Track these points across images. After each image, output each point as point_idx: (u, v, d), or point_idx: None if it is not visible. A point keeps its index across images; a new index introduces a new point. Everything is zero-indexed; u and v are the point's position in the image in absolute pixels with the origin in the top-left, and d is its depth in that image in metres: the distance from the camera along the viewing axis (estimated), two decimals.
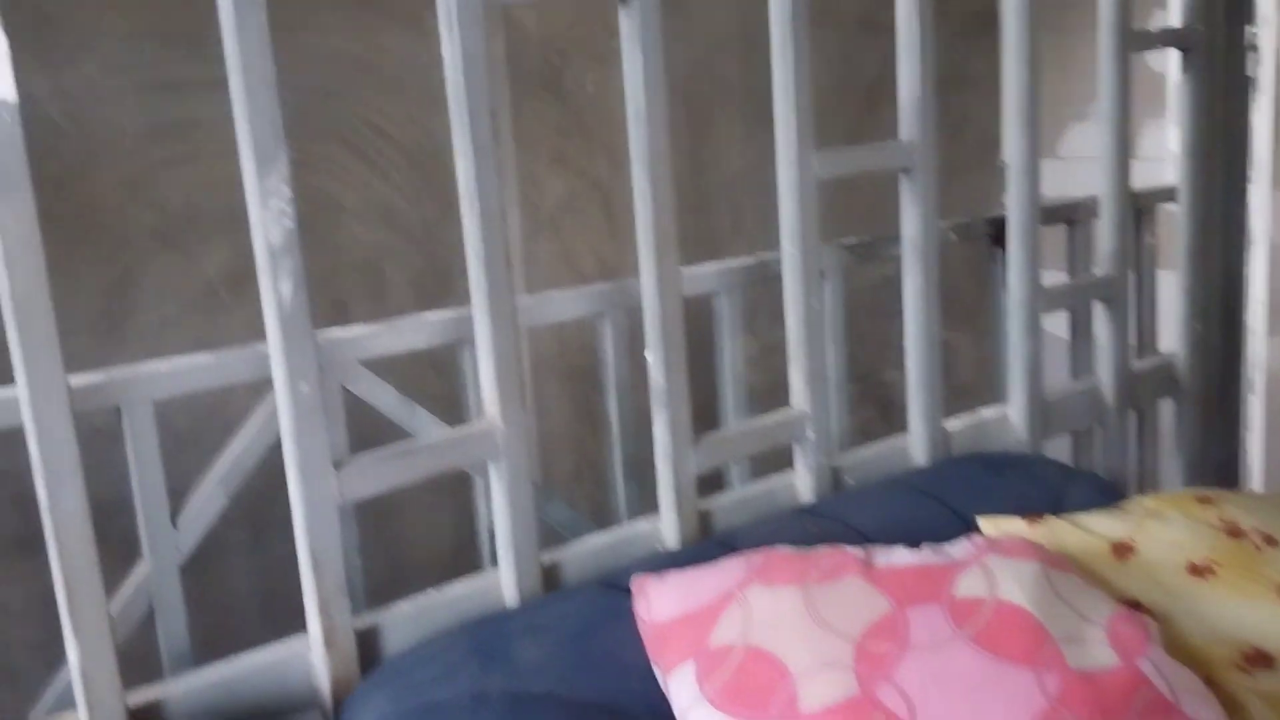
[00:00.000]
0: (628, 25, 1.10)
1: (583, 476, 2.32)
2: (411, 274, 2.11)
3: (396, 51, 2.08)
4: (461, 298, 1.10)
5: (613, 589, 1.04)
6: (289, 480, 0.96)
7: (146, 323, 1.92)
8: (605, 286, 1.42)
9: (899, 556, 0.95)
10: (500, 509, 1.08)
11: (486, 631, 0.99)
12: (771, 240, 1.29)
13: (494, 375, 1.05)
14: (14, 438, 0.93)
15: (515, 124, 2.21)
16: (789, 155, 1.22)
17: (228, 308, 1.96)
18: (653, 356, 1.15)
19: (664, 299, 1.15)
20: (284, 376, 0.94)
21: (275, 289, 0.93)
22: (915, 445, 1.39)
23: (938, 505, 1.18)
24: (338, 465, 0.97)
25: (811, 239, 1.24)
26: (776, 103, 1.21)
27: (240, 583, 1.97)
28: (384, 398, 1.30)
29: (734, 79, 2.45)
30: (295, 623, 1.03)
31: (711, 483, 1.35)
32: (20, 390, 0.83)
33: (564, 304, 1.38)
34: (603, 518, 1.53)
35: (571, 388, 2.29)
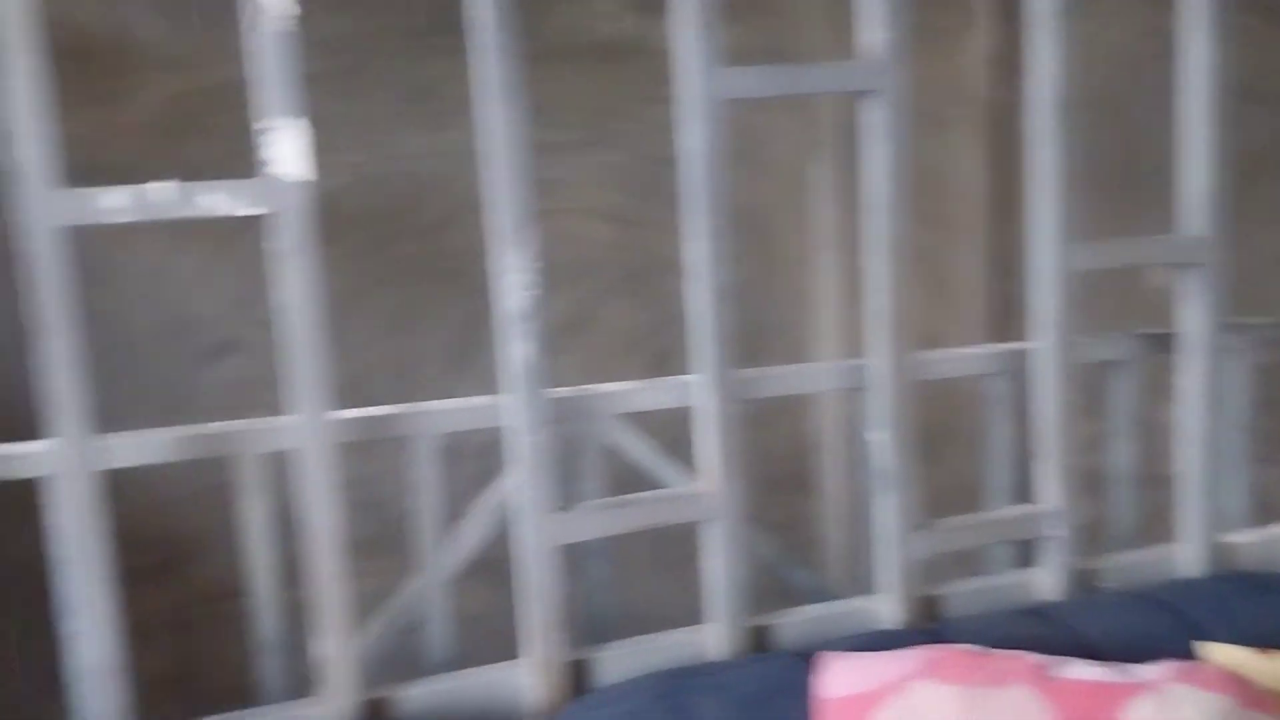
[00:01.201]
0: (871, 116, 1.13)
1: (843, 546, 2.32)
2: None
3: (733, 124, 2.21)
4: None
5: (804, 660, 1.06)
6: (516, 519, 1.08)
7: (492, 359, 2.16)
8: (852, 363, 1.43)
9: (1079, 670, 0.91)
10: (711, 568, 1.14)
11: (677, 682, 1.05)
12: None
13: (715, 441, 1.11)
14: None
15: (838, 185, 2.26)
16: (1046, 245, 1.19)
17: (565, 349, 2.16)
18: (879, 437, 1.17)
19: (896, 381, 1.16)
20: (518, 428, 1.06)
21: (515, 349, 1.06)
22: (1185, 556, 1.28)
23: (1176, 622, 1.10)
24: (560, 510, 1.08)
25: (1068, 330, 1.20)
26: (1034, 189, 1.19)
27: (496, 603, 2.16)
28: (637, 449, 1.40)
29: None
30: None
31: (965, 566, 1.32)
32: (294, 418, 1.01)
33: (797, 379, 1.38)
34: (858, 587, 1.54)
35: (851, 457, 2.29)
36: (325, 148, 2.11)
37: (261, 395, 2.14)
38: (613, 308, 2.39)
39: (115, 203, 0.93)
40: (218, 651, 1.84)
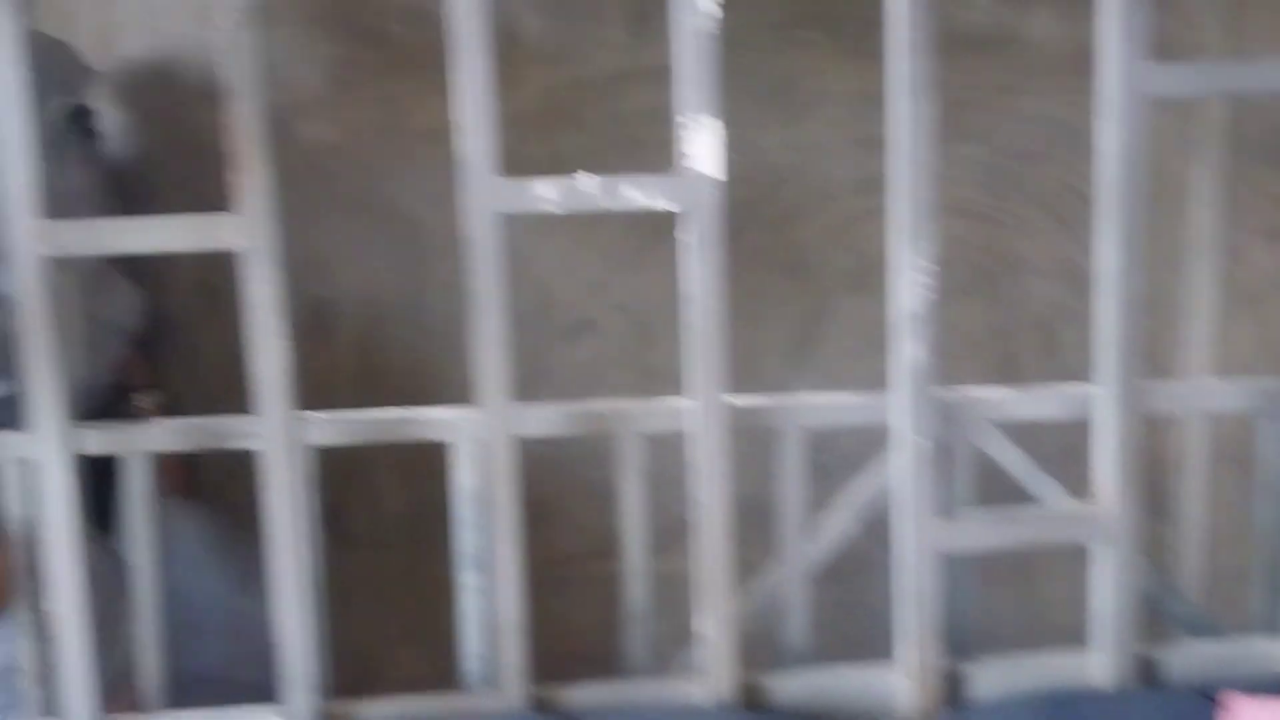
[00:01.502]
0: None
1: (1223, 576, 2.13)
2: (1085, 335, 2.11)
3: None
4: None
5: (1206, 699, 1.00)
6: (897, 523, 1.07)
7: (832, 353, 2.15)
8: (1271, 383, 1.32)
9: None
10: (1102, 593, 1.08)
11: (1065, 709, 1.02)
12: None
13: (1114, 459, 1.06)
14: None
15: (1218, 190, 2.09)
16: None
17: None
18: None
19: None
20: (906, 430, 1.05)
21: (908, 350, 1.04)
22: None
23: None
24: (944, 517, 1.06)
25: None
26: None
27: (862, 597, 2.13)
28: (1011, 459, 1.35)
29: None
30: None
31: None
32: (689, 405, 1.04)
33: (1215, 395, 1.30)
34: (1237, 624, 1.43)
35: (1225, 482, 2.11)
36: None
37: (610, 375, 2.24)
38: (959, 308, 2.32)
39: (546, 192, 1.00)
40: (569, 614, 1.95)
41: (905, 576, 1.07)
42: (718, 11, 1.00)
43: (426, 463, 2.33)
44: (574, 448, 1.54)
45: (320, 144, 1.97)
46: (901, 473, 1.06)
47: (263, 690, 2.16)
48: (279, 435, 1.01)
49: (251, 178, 0.96)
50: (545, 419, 1.15)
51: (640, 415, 1.21)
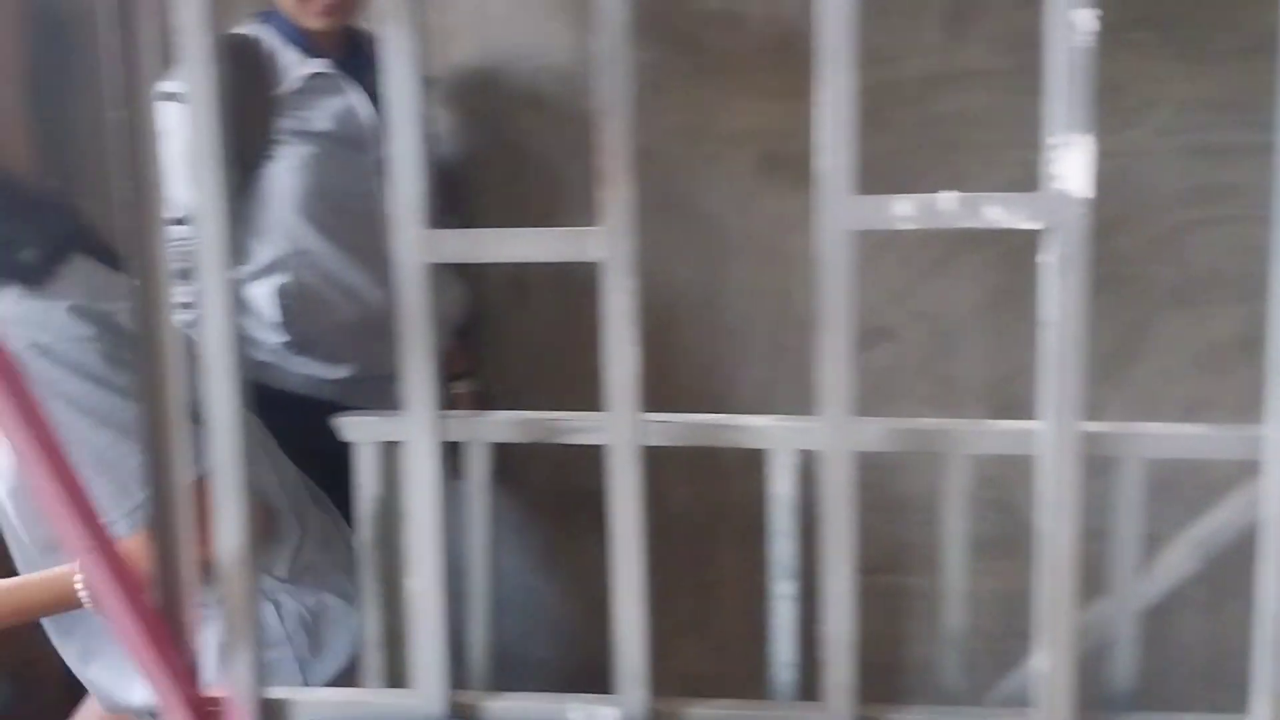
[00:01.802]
0: None
1: None
2: None
3: None
4: None
5: None
6: (1267, 572, 1.00)
7: (1148, 372, 2.04)
8: None
9: None
10: None
11: None
12: None
13: None
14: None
15: None
16: None
17: (1231, 370, 1.98)
18: None
19: None
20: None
21: None
22: None
23: None
24: None
25: None
26: None
27: (1191, 640, 2.01)
28: None
29: None
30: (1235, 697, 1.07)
31: None
32: (1039, 429, 1.01)
33: None
34: None
35: None
36: (998, 144, 2.10)
37: (908, 384, 2.20)
38: None
39: (904, 210, 0.99)
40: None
41: (1268, 624, 1.00)
42: (1095, 26, 0.96)
43: (712, 464, 2.36)
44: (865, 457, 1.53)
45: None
46: (1274, 513, 0.99)
47: (552, 669, 2.26)
48: (625, 435, 1.05)
49: (617, 193, 1.00)
50: (879, 434, 1.14)
51: (976, 436, 1.18)
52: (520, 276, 2.26)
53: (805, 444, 1.26)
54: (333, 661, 1.43)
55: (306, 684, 1.39)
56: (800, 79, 2.20)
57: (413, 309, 1.05)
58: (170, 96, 1.42)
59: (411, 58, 1.02)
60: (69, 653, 1.46)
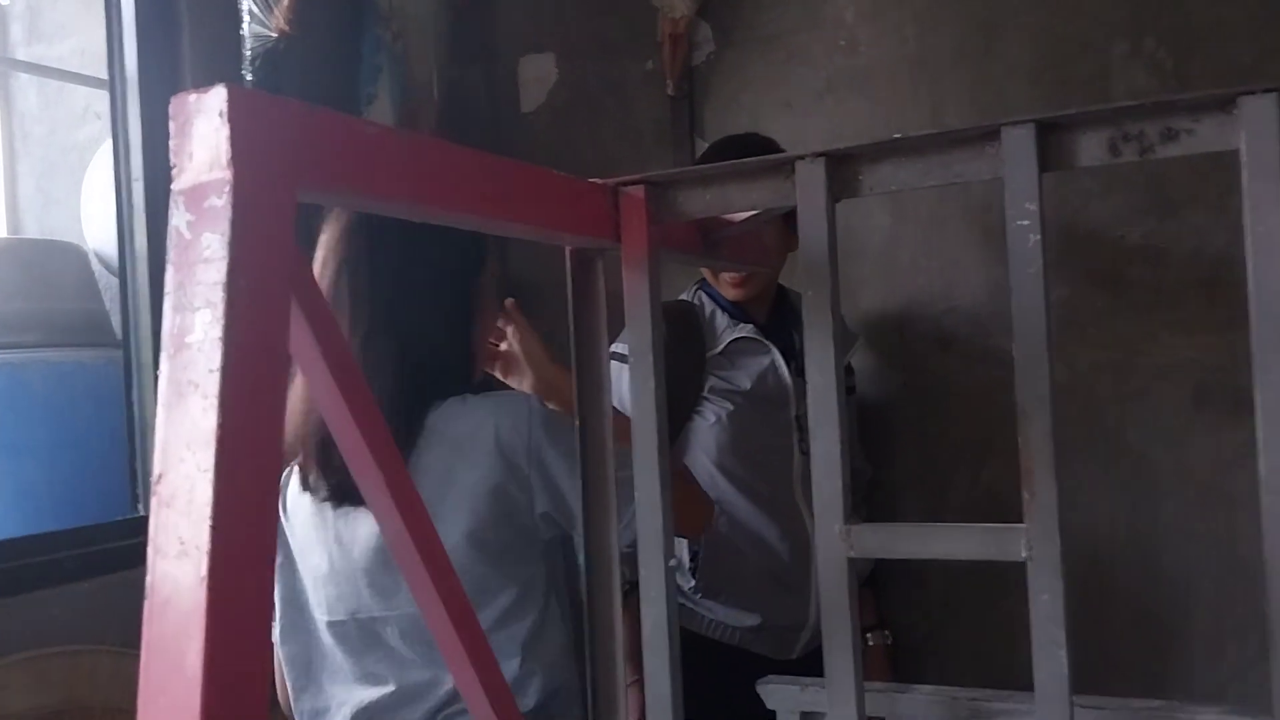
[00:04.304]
0: None
1: None
2: None
3: None
4: None
5: None
6: None
7: None
8: None
9: None
10: None
11: None
12: None
13: None
14: None
15: None
16: None
17: None
18: None
19: None
20: None
21: None
22: None
23: None
24: None
25: None
26: None
27: None
28: None
29: None
30: None
31: None
32: None
33: None
34: None
35: None
36: None
37: None
38: None
39: None
40: None
41: None
42: None
43: None
44: None
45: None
46: None
47: None
48: None
49: (1040, 493, 1.00)
50: None
51: None
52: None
53: None
54: None
55: None
56: (1231, 310, 2.08)
57: (835, 600, 1.09)
58: (616, 357, 1.59)
59: (831, 332, 1.08)
60: None
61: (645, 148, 2.44)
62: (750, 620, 1.93)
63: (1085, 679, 2.24)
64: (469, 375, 1.44)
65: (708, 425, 1.92)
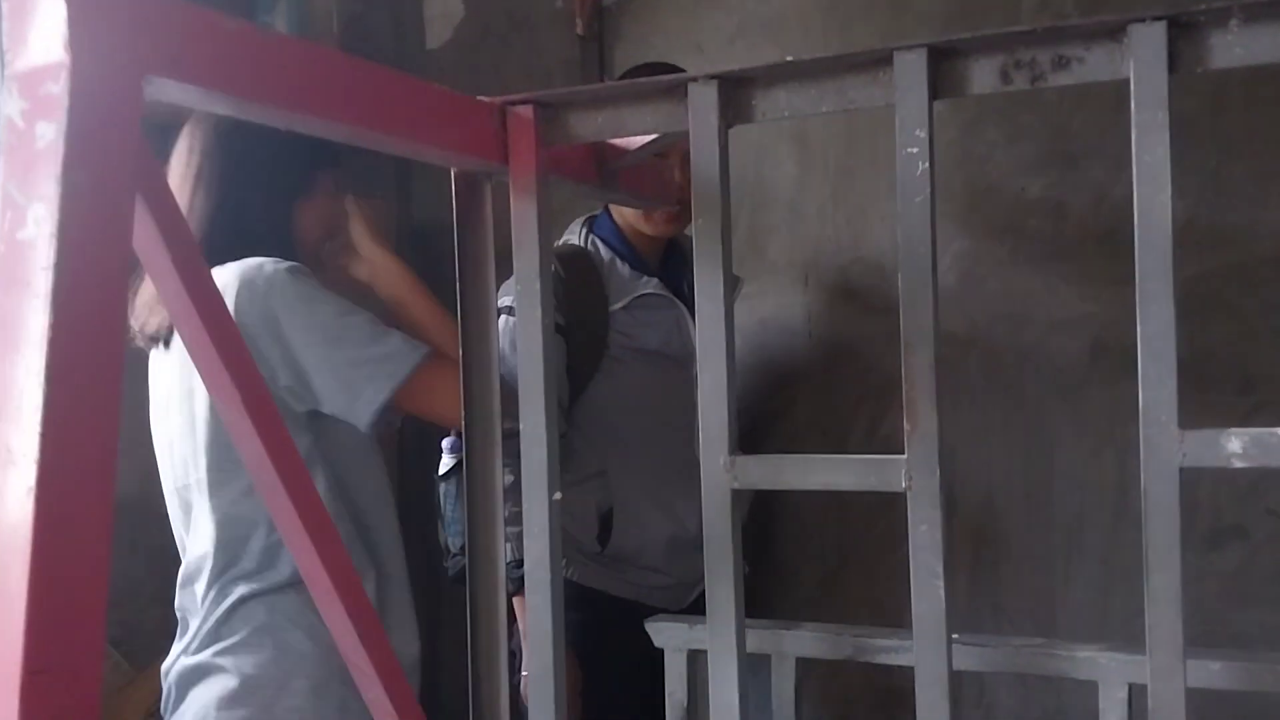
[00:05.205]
0: None
1: None
2: None
3: None
4: None
5: None
6: None
7: None
8: None
9: None
10: None
11: None
12: None
13: None
14: None
15: None
16: None
17: None
18: None
19: None
20: None
21: None
22: None
23: None
24: None
25: None
26: None
27: None
28: None
29: None
30: None
31: None
32: None
33: None
34: None
35: None
36: None
37: (1260, 587, 1.98)
38: None
39: (1235, 447, 0.92)
40: None
41: None
42: None
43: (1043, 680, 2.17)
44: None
45: (950, 336, 2.00)
46: None
47: None
48: (934, 664, 1.01)
49: (922, 425, 0.99)
50: (1217, 671, 1.04)
51: None
52: None
53: (1138, 678, 1.16)
54: None
55: None
56: (1129, 264, 2.11)
57: (718, 531, 1.08)
58: (505, 310, 1.52)
59: (721, 261, 1.06)
60: None
61: (554, 88, 2.38)
62: (661, 581, 1.88)
63: (974, 623, 2.28)
64: (278, 247, 1.47)
65: (611, 386, 1.84)
